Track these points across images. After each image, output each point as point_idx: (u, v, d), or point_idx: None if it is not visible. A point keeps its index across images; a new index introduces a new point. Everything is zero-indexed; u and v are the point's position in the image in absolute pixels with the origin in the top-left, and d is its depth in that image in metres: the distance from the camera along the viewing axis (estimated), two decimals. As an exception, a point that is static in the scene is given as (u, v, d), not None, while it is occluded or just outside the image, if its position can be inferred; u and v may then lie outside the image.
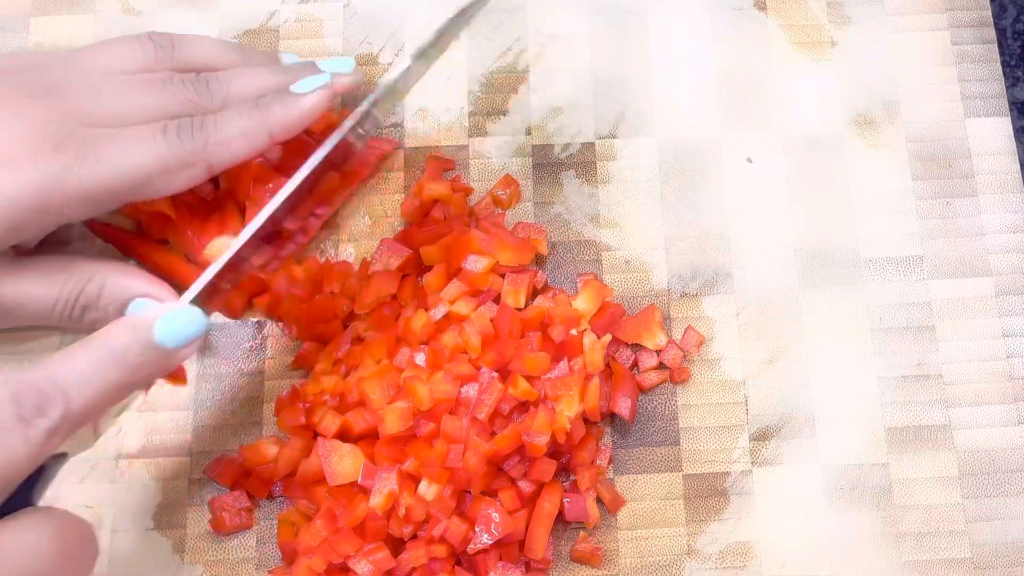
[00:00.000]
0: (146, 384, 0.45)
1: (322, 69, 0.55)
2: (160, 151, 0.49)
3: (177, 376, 0.51)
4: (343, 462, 0.52)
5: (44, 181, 0.47)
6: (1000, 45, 0.65)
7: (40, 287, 0.51)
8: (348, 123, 0.53)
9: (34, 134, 0.48)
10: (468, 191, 0.61)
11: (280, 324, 0.58)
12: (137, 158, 0.49)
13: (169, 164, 0.50)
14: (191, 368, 0.57)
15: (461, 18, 0.55)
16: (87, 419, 0.42)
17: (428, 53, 0.55)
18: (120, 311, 0.51)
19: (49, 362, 0.41)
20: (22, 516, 0.39)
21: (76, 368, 0.41)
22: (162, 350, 0.44)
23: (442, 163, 0.61)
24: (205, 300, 0.49)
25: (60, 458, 0.44)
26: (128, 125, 0.50)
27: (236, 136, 0.51)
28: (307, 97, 0.52)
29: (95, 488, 0.55)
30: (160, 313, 0.45)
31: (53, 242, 0.54)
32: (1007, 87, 0.64)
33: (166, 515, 0.55)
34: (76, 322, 0.52)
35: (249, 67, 0.55)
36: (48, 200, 0.48)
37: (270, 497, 0.55)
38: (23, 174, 0.47)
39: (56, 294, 0.51)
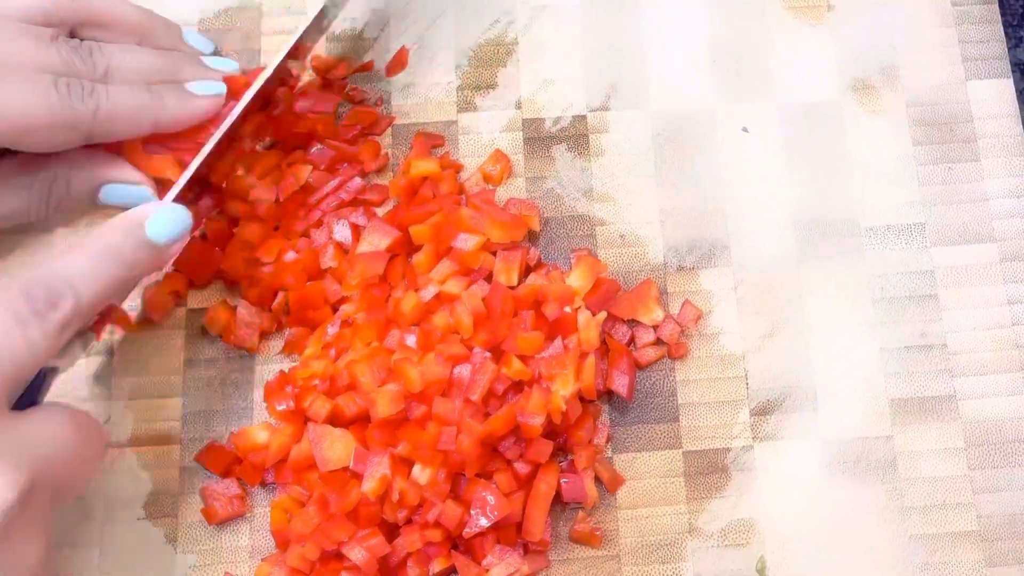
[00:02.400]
0: (139, 279, 0.49)
1: (208, 65, 0.57)
2: (52, 104, 0.50)
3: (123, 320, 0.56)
4: (334, 447, 0.51)
5: None
6: (1001, 5, 0.63)
7: (8, 196, 0.52)
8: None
9: None
10: (458, 168, 0.59)
11: (269, 311, 0.57)
12: (28, 105, 0.49)
13: (56, 120, 0.50)
14: (179, 355, 0.56)
15: None
16: (93, 312, 0.45)
17: None
18: (93, 200, 0.54)
19: (52, 261, 0.44)
20: (38, 409, 0.43)
21: (79, 264, 0.44)
22: (153, 246, 0.47)
23: (431, 139, 0.60)
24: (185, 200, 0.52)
25: (53, 371, 0.47)
26: (13, 72, 0.50)
27: (124, 113, 0.52)
28: (202, 100, 0.55)
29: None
30: (149, 212, 0.48)
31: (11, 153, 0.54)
32: (1009, 48, 0.62)
33: (157, 504, 0.55)
34: (55, 217, 0.55)
35: (137, 47, 0.55)
36: None
37: (262, 484, 0.55)
38: None
39: (26, 199, 0.53)
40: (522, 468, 0.52)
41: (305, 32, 0.57)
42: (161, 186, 0.55)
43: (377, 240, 0.56)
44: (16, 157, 0.52)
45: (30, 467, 0.40)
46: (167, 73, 0.55)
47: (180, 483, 0.55)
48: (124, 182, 0.55)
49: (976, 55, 0.62)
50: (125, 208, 0.51)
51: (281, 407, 0.53)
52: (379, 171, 0.59)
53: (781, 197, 0.60)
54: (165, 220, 0.48)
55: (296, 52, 0.58)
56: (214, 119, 0.55)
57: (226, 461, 0.55)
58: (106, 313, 0.50)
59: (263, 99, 0.57)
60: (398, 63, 0.61)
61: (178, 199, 0.52)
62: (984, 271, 0.58)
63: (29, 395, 0.44)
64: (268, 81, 0.56)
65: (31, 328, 0.42)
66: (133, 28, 0.56)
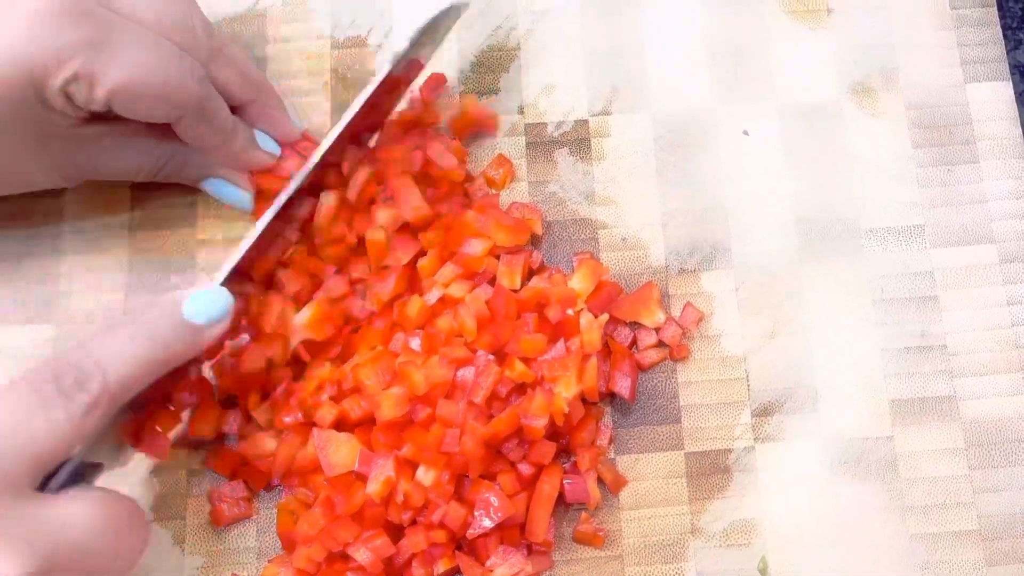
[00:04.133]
0: (175, 363, 0.47)
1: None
2: (170, 73, 0.50)
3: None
4: (339, 452, 0.52)
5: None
6: (1000, 8, 0.63)
7: (131, 153, 0.54)
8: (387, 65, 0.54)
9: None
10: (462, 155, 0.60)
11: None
12: (149, 67, 0.49)
13: (170, 91, 0.50)
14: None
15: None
16: (125, 395, 0.44)
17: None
18: (196, 184, 0.57)
19: (86, 341, 0.44)
20: (72, 491, 0.42)
21: (111, 345, 0.44)
22: (191, 327, 0.46)
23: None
24: (234, 283, 0.51)
25: (97, 467, 0.47)
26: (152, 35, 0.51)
27: (221, 116, 0.54)
28: (263, 153, 0.56)
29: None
30: (189, 293, 0.47)
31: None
32: (1008, 51, 0.63)
33: (165, 506, 0.55)
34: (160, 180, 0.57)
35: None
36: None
37: (268, 488, 0.55)
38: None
39: (142, 163, 0.54)
40: (525, 469, 0.53)
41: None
42: (260, 198, 0.57)
43: (398, 255, 0.56)
44: (148, 126, 0.53)
45: (47, 553, 0.39)
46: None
47: (187, 485, 0.55)
48: (234, 183, 0.57)
49: (975, 58, 0.62)
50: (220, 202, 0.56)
51: (288, 419, 0.54)
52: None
53: (782, 199, 0.60)
54: (204, 301, 0.47)
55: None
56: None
57: (233, 463, 0.55)
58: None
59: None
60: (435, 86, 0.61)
61: (226, 286, 0.50)
62: (984, 272, 0.59)
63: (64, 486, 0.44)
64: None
65: (55, 409, 0.41)
66: (255, 83, 0.57)
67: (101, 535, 0.41)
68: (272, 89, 0.58)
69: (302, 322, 0.54)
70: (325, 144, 0.54)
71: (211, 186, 0.57)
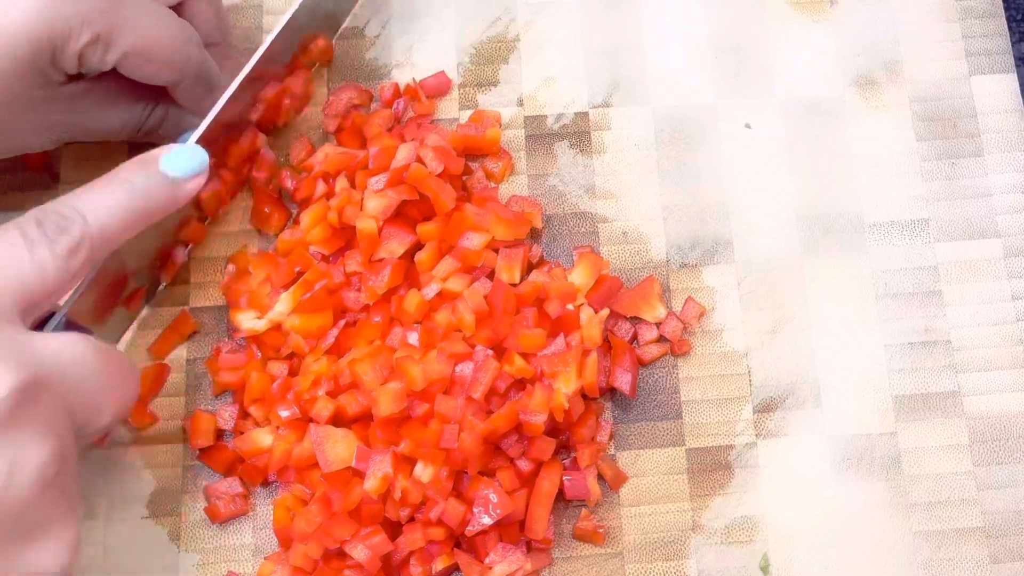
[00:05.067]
0: (155, 215, 0.48)
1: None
2: (175, 36, 0.52)
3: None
4: (336, 448, 0.51)
5: None
6: (1005, 0, 0.63)
7: (111, 113, 0.55)
8: None
9: None
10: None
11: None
12: (160, 31, 0.51)
13: (176, 54, 0.52)
14: (182, 354, 0.57)
15: None
16: (107, 243, 0.45)
17: None
18: (175, 139, 0.55)
19: (68, 194, 0.45)
20: (62, 333, 0.43)
21: (92, 195, 0.46)
22: (169, 179, 0.48)
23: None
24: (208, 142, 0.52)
25: (86, 331, 0.48)
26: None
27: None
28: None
29: (88, 477, 0.54)
30: (167, 148, 0.49)
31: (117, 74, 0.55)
32: (1013, 43, 0.62)
33: (161, 503, 0.55)
34: (143, 140, 0.57)
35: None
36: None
37: (265, 484, 0.55)
38: None
39: (125, 118, 0.55)
40: (525, 466, 0.52)
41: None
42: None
43: (392, 247, 0.55)
44: (126, 81, 0.53)
45: (33, 371, 0.40)
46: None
47: (183, 482, 0.55)
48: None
49: (980, 50, 0.62)
50: None
51: (284, 415, 0.53)
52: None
53: (784, 193, 0.60)
54: (181, 156, 0.49)
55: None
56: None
57: (229, 460, 0.55)
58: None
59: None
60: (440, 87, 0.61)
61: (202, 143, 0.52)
62: (988, 267, 0.58)
63: None
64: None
65: (40, 248, 0.42)
66: (224, 28, 0.58)
67: (89, 371, 0.42)
68: (233, 40, 0.60)
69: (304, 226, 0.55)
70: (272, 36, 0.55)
71: (187, 141, 0.56)
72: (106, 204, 0.45)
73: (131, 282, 0.54)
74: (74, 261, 0.44)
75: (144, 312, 0.57)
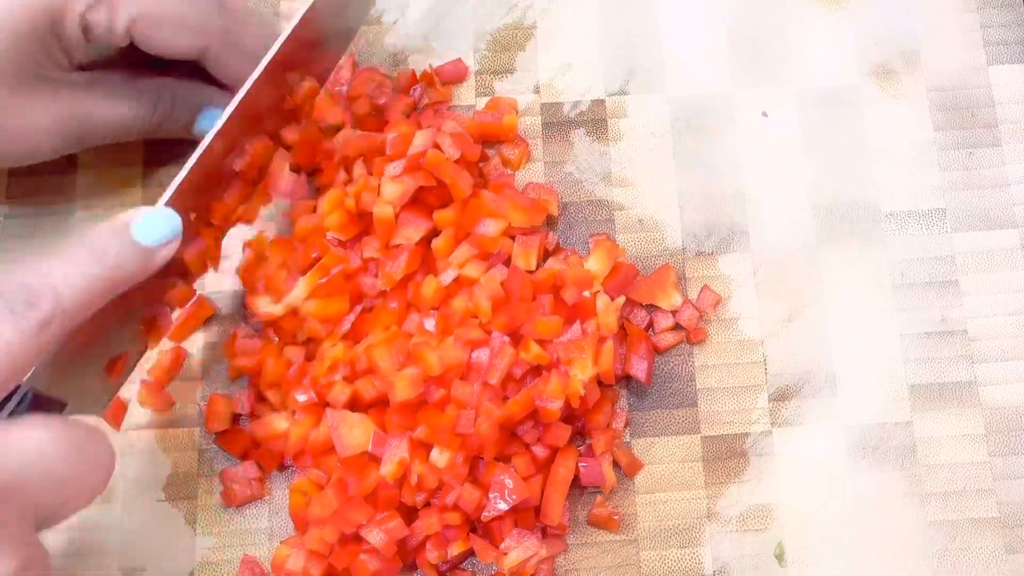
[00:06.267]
0: (127, 283, 0.46)
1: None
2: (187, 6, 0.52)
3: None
4: (352, 432, 0.51)
5: None
6: (1024, -11, 0.63)
7: (117, 104, 0.54)
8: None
9: None
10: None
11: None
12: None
13: (188, 21, 0.52)
14: (198, 339, 0.57)
15: None
16: (77, 315, 0.43)
17: None
18: (189, 126, 0.56)
19: (34, 261, 0.43)
20: (25, 418, 0.40)
21: (60, 264, 0.43)
22: (139, 248, 0.46)
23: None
24: (182, 203, 0.49)
25: (59, 405, 0.46)
26: None
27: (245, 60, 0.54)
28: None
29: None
30: (138, 214, 0.47)
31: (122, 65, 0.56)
32: (1031, 32, 0.62)
33: (177, 487, 0.55)
34: (155, 134, 0.56)
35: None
36: None
37: (281, 468, 0.55)
38: None
39: (134, 109, 0.54)
40: (540, 452, 0.52)
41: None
42: None
43: (409, 233, 0.55)
44: (127, 70, 0.53)
45: None
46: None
47: (199, 466, 0.55)
48: (225, 105, 0.53)
49: (998, 39, 0.61)
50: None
51: (301, 399, 0.53)
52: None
53: (800, 182, 0.59)
54: (153, 222, 0.46)
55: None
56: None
57: (245, 444, 0.55)
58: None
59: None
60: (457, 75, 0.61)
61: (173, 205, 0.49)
62: (1005, 257, 0.58)
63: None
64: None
65: (4, 325, 0.40)
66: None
67: (59, 464, 0.40)
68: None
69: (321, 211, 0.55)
70: (257, 71, 0.51)
71: (205, 121, 0.56)
72: (76, 275, 0.43)
73: (114, 348, 0.51)
74: (44, 336, 0.41)
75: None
